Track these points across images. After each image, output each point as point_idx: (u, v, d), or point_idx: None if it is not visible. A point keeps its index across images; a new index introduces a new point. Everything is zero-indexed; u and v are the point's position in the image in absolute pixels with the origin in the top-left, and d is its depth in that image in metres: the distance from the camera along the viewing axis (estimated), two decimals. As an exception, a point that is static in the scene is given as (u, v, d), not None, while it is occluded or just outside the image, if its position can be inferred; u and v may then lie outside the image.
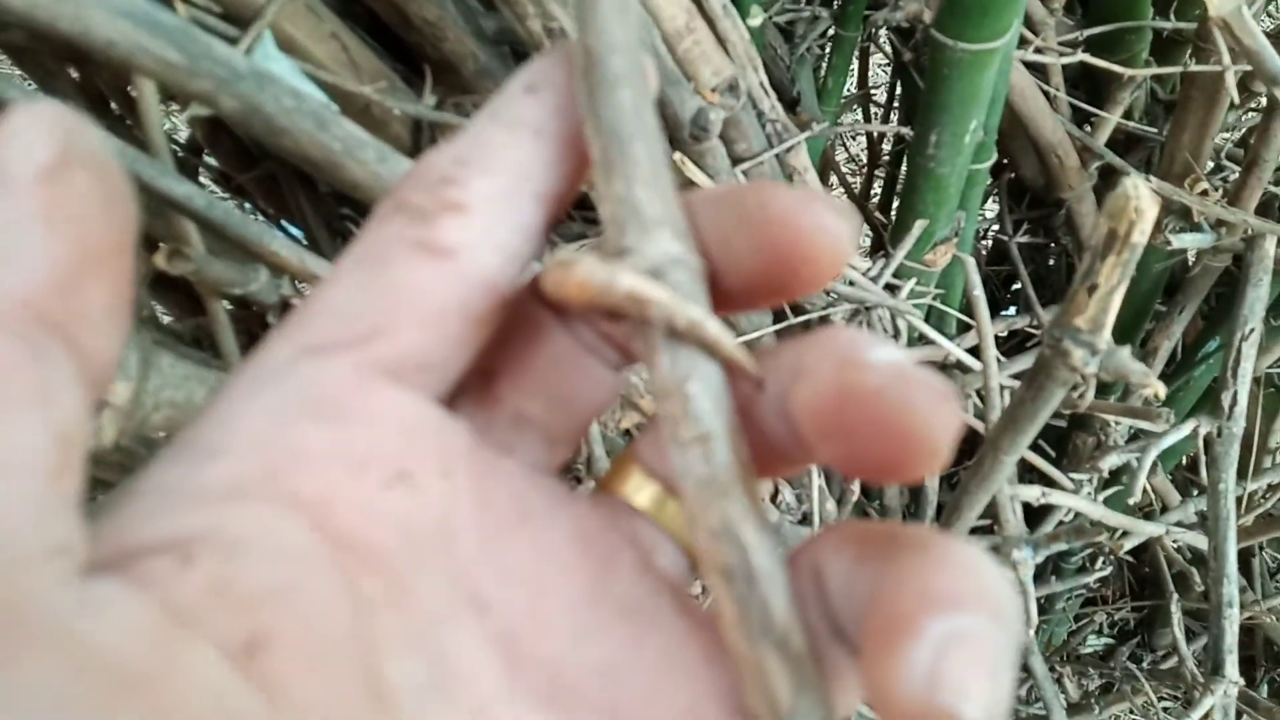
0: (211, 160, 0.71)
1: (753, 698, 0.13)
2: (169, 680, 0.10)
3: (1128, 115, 0.82)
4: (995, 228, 1.04)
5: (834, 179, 1.05)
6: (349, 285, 0.15)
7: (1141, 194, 0.41)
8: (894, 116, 0.96)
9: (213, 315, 0.48)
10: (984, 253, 1.04)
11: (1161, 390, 0.43)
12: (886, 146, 1.01)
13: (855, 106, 0.96)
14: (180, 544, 0.12)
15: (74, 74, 0.54)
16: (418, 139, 0.49)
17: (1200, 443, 0.68)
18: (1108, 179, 0.86)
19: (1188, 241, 0.66)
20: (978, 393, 0.67)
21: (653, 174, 0.15)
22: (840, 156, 1.31)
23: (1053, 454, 0.92)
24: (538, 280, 0.16)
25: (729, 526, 0.14)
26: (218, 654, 0.11)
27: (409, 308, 0.14)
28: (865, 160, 1.06)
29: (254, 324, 0.54)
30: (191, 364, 0.38)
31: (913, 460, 0.13)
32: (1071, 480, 0.67)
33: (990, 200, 0.96)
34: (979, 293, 0.52)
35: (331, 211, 0.58)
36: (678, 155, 0.51)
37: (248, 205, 0.70)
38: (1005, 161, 0.86)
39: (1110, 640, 1.00)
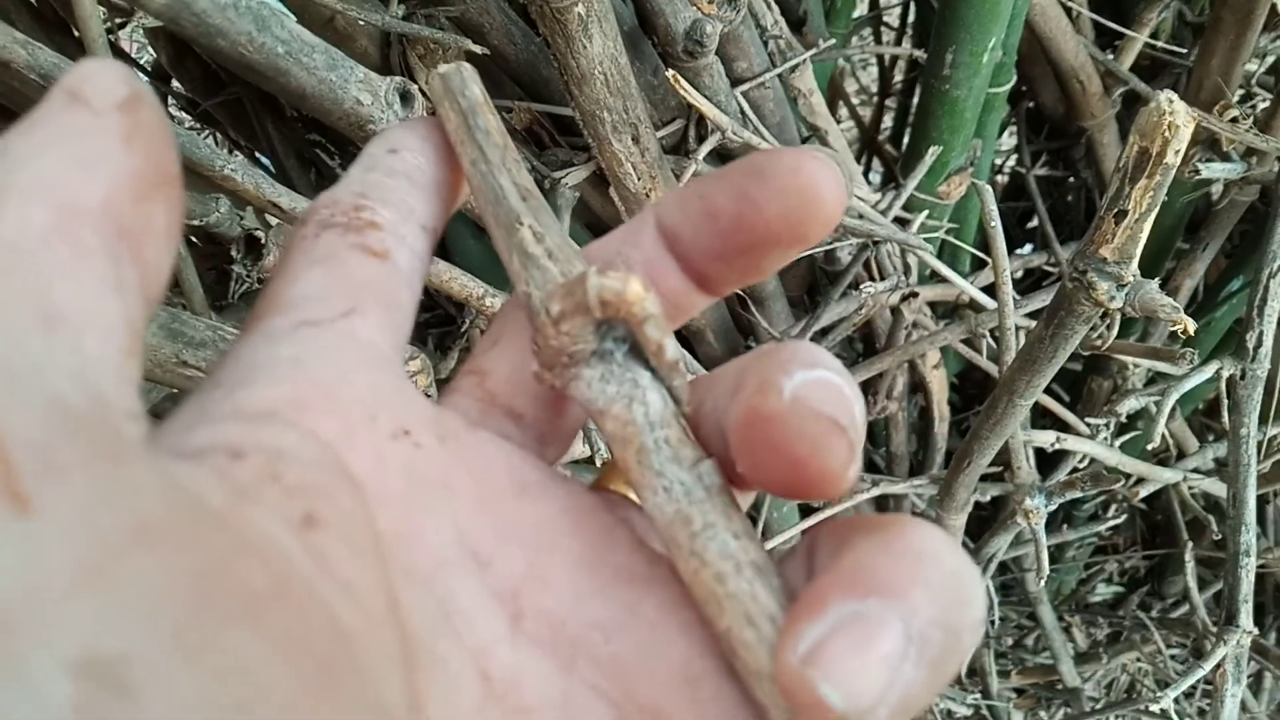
0: (180, 88, 0.67)
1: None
2: (243, 524, 0.12)
3: (1154, 38, 0.77)
4: (1011, 161, 0.99)
5: (843, 110, 1.00)
6: (314, 278, 0.16)
7: (1176, 109, 0.37)
8: (907, 42, 0.91)
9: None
10: (999, 187, 1.00)
11: (1192, 326, 0.40)
12: (899, 76, 0.96)
13: (866, 30, 0.90)
14: (226, 447, 0.13)
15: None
16: (386, 55, 0.45)
17: (1223, 386, 0.65)
18: (1131, 107, 0.81)
19: (1217, 171, 0.62)
20: (991, 333, 0.63)
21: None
22: (851, 89, 1.25)
23: (1067, 398, 0.88)
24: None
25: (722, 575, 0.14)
26: (280, 520, 0.12)
27: (371, 293, 0.16)
28: (876, 91, 1.01)
29: (221, 260, 0.51)
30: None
31: (807, 485, 0.14)
32: (1088, 425, 0.64)
33: (1006, 133, 0.91)
34: (996, 224, 0.48)
35: (300, 139, 0.54)
36: (671, 73, 0.47)
37: (218, 136, 0.66)
38: (1024, 89, 0.81)
39: (1120, 588, 0.98)
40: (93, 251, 0.12)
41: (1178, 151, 0.36)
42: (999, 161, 0.99)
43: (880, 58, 0.90)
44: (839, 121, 1.02)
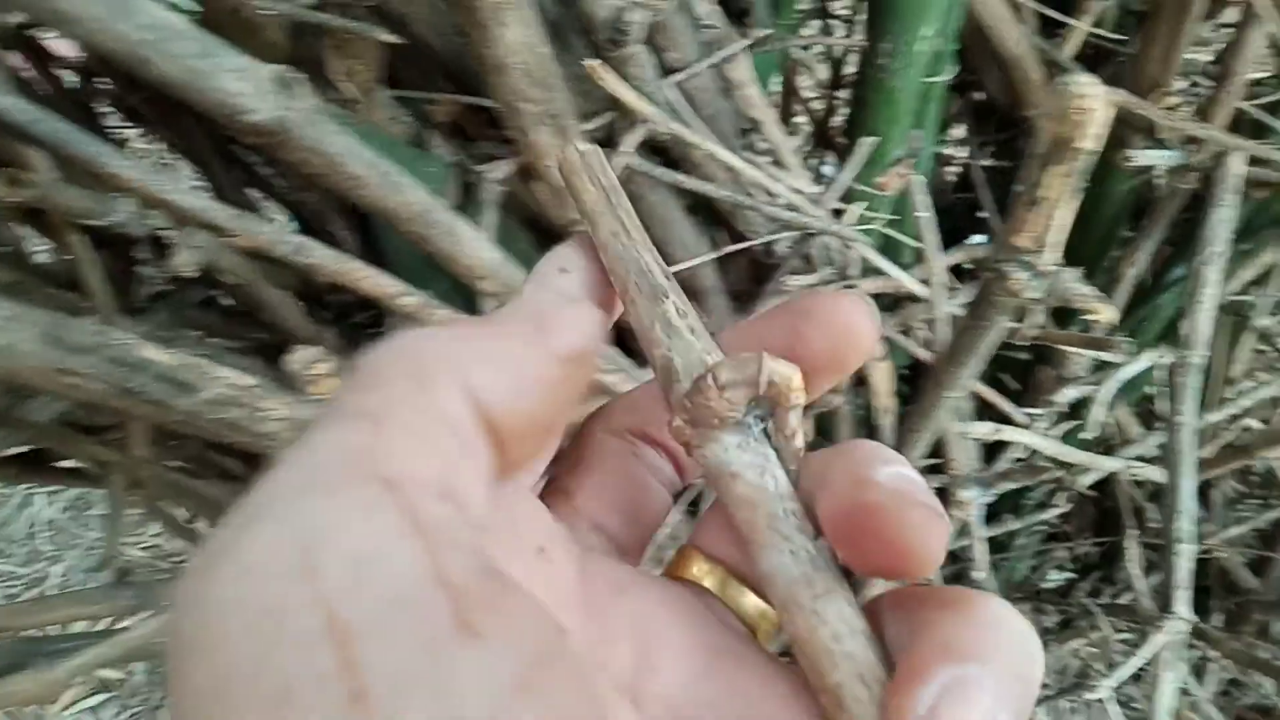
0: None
1: None
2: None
3: (1097, 26, 0.77)
4: (964, 152, 0.99)
5: (796, 105, 0.99)
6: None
7: (1088, 92, 0.36)
8: (857, 34, 0.90)
9: (72, 249, 0.43)
10: (953, 180, 0.99)
11: (1114, 315, 0.40)
12: (851, 70, 0.95)
13: (814, 21, 0.90)
14: None
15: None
16: (297, 47, 0.43)
17: (1168, 374, 0.65)
18: (1076, 97, 0.81)
19: (1151, 158, 0.62)
20: (928, 323, 0.63)
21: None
22: (808, 83, 1.25)
23: (1018, 386, 0.89)
24: (605, 411, 0.22)
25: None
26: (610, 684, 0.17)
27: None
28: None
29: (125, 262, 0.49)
30: (19, 304, 0.34)
31: (908, 566, 0.15)
32: (1028, 415, 0.64)
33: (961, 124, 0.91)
34: (926, 215, 0.48)
35: (223, 137, 0.53)
36: (589, 63, 0.46)
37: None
38: (974, 79, 0.81)
39: (1072, 574, 0.99)
40: (474, 451, 0.15)
41: (1092, 136, 0.35)
42: (951, 153, 0.99)
43: (829, 50, 0.90)
44: (792, 115, 1.02)
